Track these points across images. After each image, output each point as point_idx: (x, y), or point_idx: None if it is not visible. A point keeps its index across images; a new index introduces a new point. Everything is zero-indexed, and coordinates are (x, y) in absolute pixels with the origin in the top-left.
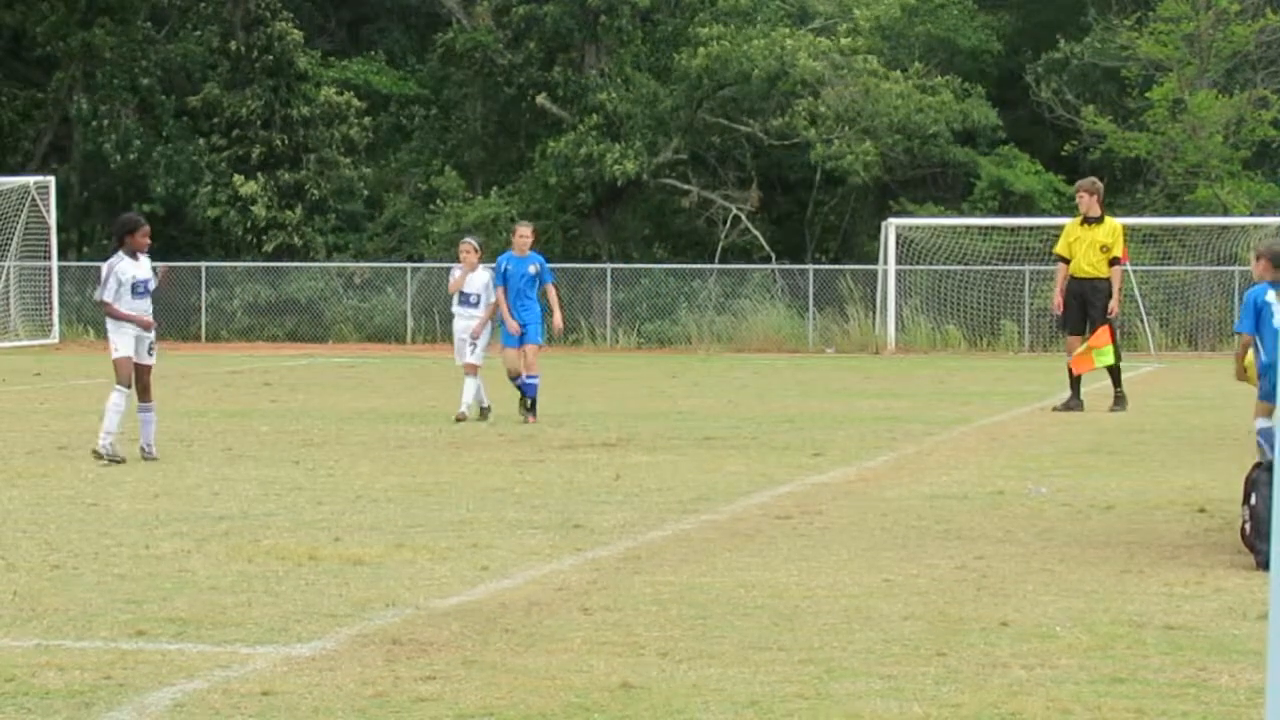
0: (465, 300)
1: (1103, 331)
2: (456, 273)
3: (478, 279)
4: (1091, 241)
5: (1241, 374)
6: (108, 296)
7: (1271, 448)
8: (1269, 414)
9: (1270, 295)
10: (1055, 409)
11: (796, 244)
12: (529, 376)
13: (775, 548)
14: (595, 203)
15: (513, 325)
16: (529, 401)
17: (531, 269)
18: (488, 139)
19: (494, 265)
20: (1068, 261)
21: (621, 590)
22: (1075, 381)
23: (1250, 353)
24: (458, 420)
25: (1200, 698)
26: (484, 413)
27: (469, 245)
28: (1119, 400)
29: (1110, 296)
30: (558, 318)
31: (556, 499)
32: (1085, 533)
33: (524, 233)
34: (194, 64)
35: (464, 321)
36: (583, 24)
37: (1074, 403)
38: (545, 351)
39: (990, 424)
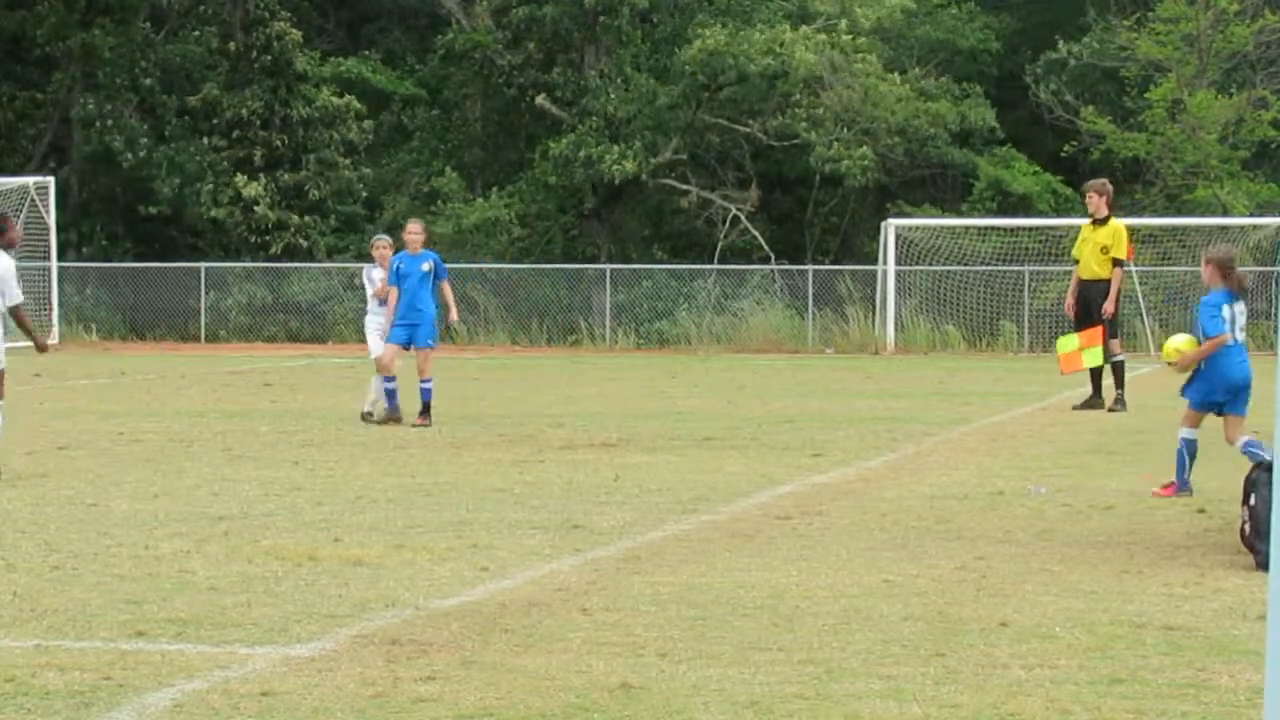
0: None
1: (1096, 331)
2: (377, 273)
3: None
4: (1095, 243)
5: (1187, 364)
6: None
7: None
8: (1197, 425)
9: (1226, 309)
10: (1075, 407)
11: (796, 244)
12: (424, 381)
13: (775, 548)
14: (595, 203)
15: (384, 328)
16: (424, 405)
17: (425, 267)
18: (487, 140)
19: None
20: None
21: (621, 591)
22: (1095, 378)
23: (1187, 337)
24: (372, 418)
25: (1200, 698)
26: (366, 417)
27: (384, 243)
28: (1119, 401)
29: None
30: (453, 314)
31: (556, 499)
32: (1085, 533)
33: (414, 229)
34: (193, 64)
35: (383, 319)
36: (582, 24)
37: (1095, 400)
38: (542, 352)
39: (990, 424)
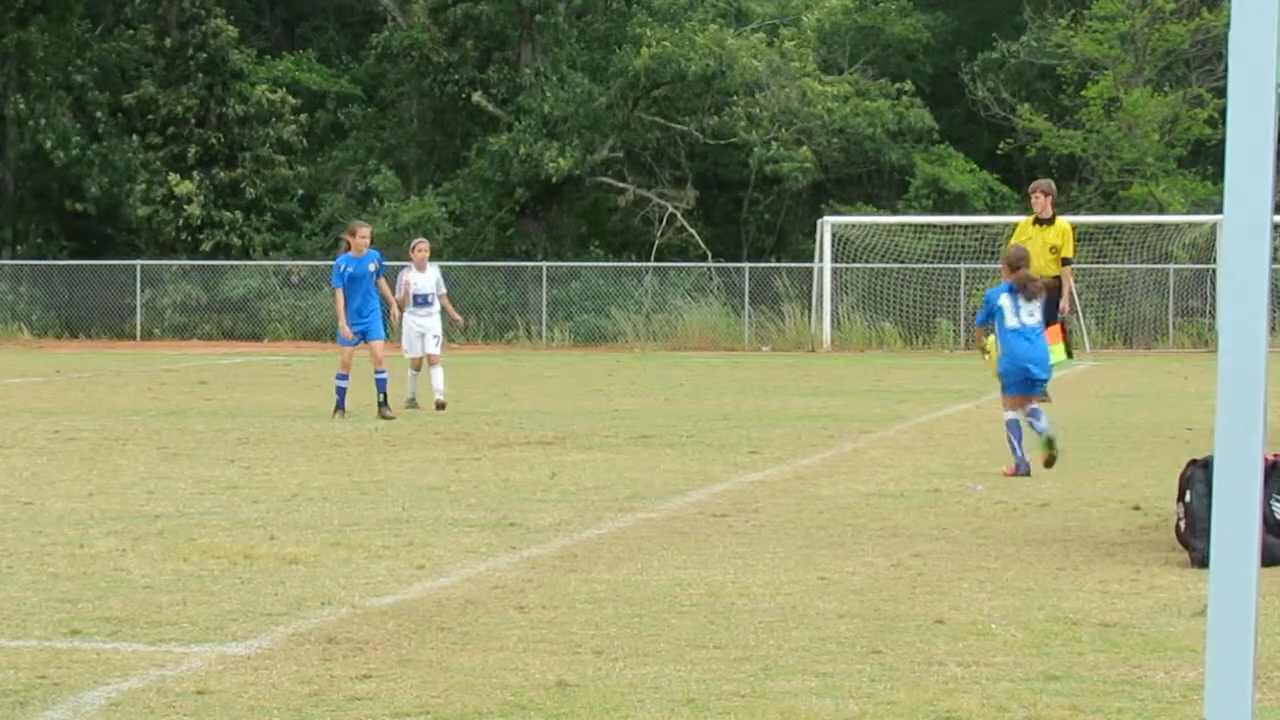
0: (423, 301)
1: (1054, 330)
2: (410, 275)
3: (428, 278)
4: (1043, 242)
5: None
6: None
7: (1019, 439)
8: (1015, 408)
9: (1003, 298)
10: None
11: (732, 242)
12: (379, 371)
13: (711, 546)
14: (531, 201)
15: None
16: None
17: (372, 266)
18: (424, 138)
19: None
20: None
21: (557, 588)
22: None
23: (991, 338)
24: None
25: (1135, 694)
26: (412, 402)
27: (424, 246)
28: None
29: (1061, 296)
30: (394, 308)
31: (493, 497)
32: (1021, 530)
33: (365, 233)
34: (128, 61)
35: (422, 319)
36: (518, 22)
37: None
38: (479, 350)
39: (926, 421)
